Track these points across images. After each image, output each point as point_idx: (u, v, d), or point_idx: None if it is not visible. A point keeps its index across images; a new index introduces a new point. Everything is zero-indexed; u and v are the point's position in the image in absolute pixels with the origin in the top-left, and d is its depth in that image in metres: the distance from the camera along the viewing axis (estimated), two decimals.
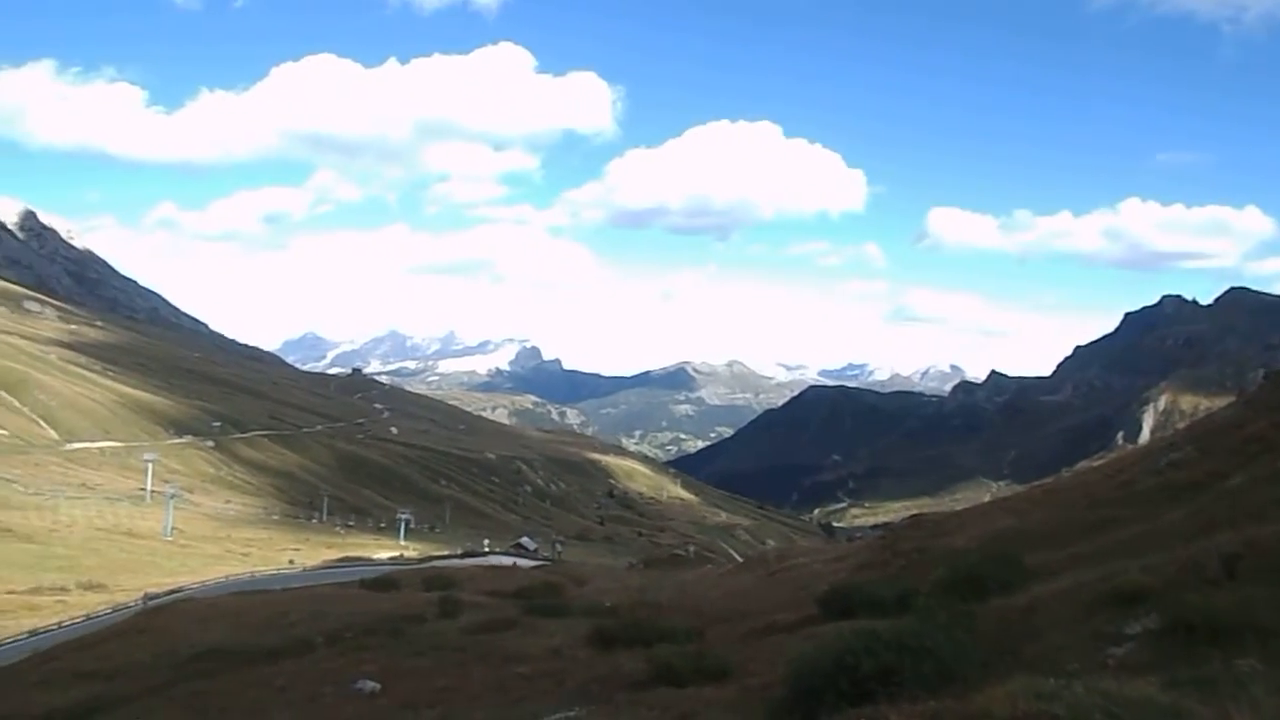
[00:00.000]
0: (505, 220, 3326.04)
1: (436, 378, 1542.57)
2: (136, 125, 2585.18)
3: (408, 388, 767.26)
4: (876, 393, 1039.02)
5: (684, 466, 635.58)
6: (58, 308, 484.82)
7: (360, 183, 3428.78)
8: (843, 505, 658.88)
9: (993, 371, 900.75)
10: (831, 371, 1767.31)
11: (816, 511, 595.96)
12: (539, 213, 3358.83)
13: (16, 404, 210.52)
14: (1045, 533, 28.45)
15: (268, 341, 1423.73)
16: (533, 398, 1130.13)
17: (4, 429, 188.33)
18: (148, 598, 59.45)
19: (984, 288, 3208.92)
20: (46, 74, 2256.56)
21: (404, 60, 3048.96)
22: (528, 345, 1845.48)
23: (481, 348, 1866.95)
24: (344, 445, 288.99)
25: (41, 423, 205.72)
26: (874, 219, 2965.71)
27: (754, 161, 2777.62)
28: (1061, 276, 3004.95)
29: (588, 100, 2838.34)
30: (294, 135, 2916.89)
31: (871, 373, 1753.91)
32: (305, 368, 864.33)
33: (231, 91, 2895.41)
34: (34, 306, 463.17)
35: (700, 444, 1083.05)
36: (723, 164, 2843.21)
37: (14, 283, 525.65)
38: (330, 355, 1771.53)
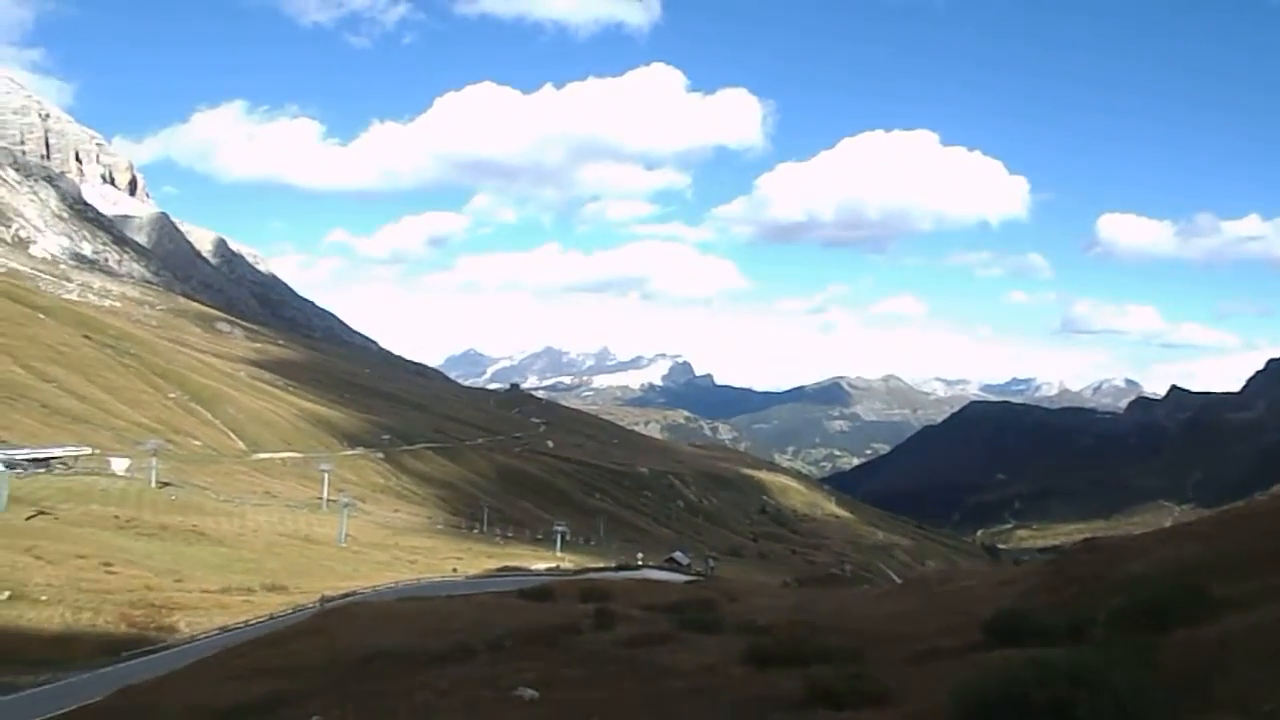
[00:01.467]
0: (656, 238, 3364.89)
1: (591, 393, 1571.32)
2: (314, 157, 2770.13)
3: (563, 403, 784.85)
4: (1044, 409, 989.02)
5: (839, 483, 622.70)
6: (245, 328, 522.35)
7: (517, 205, 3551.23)
8: (1008, 527, 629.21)
9: (1173, 387, 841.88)
10: (995, 386, 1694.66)
11: (980, 533, 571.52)
12: (689, 229, 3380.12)
13: (210, 417, 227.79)
14: (1237, 561, 26.22)
15: (432, 358, 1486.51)
16: (685, 413, 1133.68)
17: (198, 440, 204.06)
18: (324, 600, 62.88)
19: (1160, 298, 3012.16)
20: (238, 113, 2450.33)
21: (559, 85, 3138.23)
22: (680, 361, 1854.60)
23: (634, 363, 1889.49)
24: (503, 458, 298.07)
25: (231, 434, 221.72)
26: (1039, 227, 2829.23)
27: (910, 171, 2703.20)
28: (1249, 286, 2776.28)
29: (738, 116, 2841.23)
30: (455, 161, 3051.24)
31: (1039, 388, 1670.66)
32: (466, 383, 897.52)
33: (398, 122, 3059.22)
34: (225, 327, 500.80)
35: (856, 460, 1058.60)
36: (877, 174, 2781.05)
37: (208, 305, 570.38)
38: (490, 371, 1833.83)
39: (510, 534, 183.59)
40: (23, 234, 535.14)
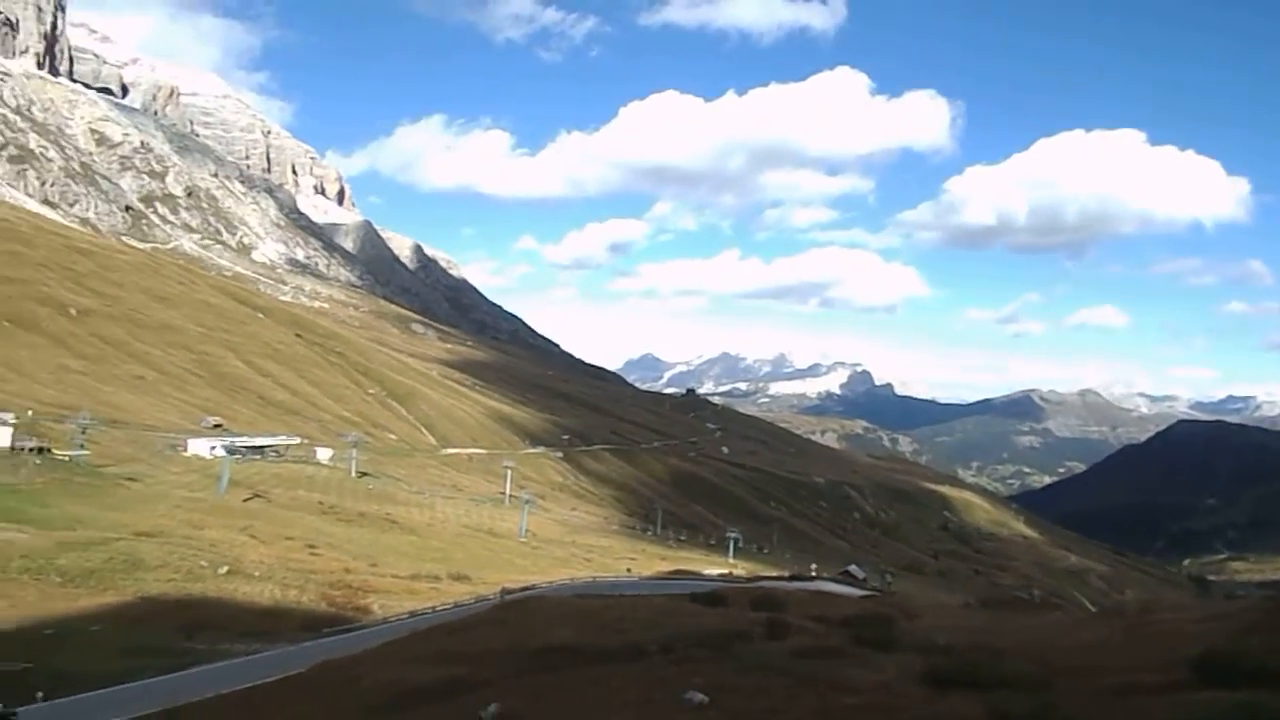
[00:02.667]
0: (837, 244, 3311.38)
1: (767, 400, 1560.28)
2: (505, 167, 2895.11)
3: (739, 409, 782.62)
4: (1264, 430, 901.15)
5: (1028, 502, 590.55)
6: (438, 329, 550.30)
7: (697, 212, 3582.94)
8: (1220, 558, 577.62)
9: None
10: (1207, 405, 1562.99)
11: (1187, 562, 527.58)
12: (872, 236, 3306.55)
13: (404, 413, 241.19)
14: None
15: (611, 362, 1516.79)
16: (863, 423, 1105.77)
17: (393, 434, 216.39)
18: (505, 592, 65.19)
19: None
20: (437, 127, 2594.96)
21: (741, 91, 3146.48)
22: (859, 369, 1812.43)
23: (812, 371, 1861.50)
24: (678, 462, 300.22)
25: (423, 430, 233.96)
26: (1261, 231, 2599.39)
27: (1113, 173, 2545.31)
28: None
29: (925, 119, 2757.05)
30: (638, 169, 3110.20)
31: (1258, 407, 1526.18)
32: (644, 387, 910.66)
33: (584, 132, 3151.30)
34: (420, 329, 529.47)
35: (1047, 479, 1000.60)
36: (1075, 177, 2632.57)
37: (405, 308, 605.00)
38: (667, 375, 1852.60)
39: (683, 537, 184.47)
40: (246, 240, 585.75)
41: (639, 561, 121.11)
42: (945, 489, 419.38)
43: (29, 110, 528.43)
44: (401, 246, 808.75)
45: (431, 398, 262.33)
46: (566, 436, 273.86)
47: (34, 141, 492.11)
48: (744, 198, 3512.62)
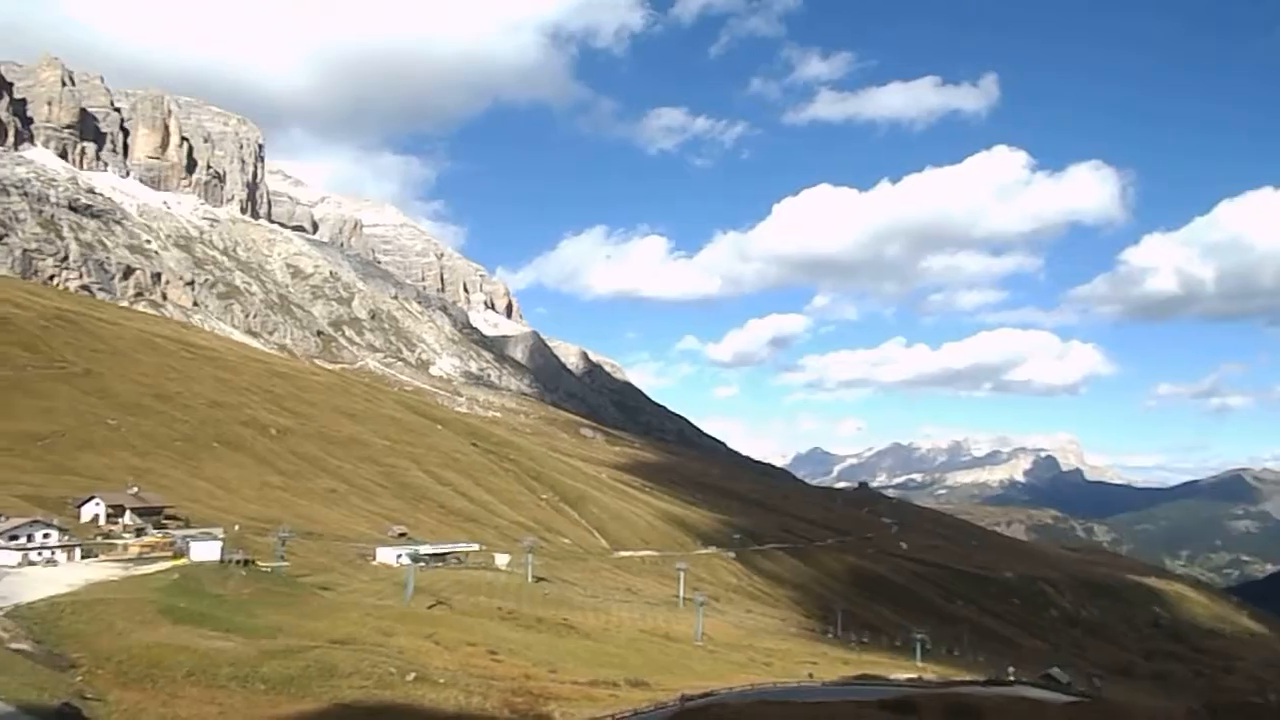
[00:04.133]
0: (1008, 325, 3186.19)
1: (945, 490, 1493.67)
2: (663, 271, 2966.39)
3: (915, 501, 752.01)
4: None
5: (1251, 593, 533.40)
6: (606, 433, 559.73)
7: (857, 301, 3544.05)
8: None
9: None
10: None
11: None
12: (1045, 314, 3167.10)
13: (576, 516, 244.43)
14: None
15: (778, 458, 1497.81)
16: (1053, 512, 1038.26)
17: (567, 538, 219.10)
18: (685, 699, 63.61)
19: None
20: (598, 238, 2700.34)
21: (895, 179, 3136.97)
22: (1043, 455, 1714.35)
23: (991, 459, 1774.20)
24: (854, 559, 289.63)
25: (595, 533, 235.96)
26: None
27: None
28: None
29: (1092, 191, 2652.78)
30: (795, 263, 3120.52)
31: None
32: (813, 482, 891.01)
33: (739, 231, 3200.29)
34: (588, 433, 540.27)
35: (1269, 566, 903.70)
36: (1269, 236, 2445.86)
37: (574, 413, 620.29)
38: (836, 470, 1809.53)
39: (866, 639, 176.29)
40: (424, 356, 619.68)
41: (821, 665, 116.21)
42: (1153, 581, 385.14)
43: (234, 250, 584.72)
44: (568, 354, 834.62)
45: (602, 500, 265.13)
46: (738, 536, 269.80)
47: (239, 278, 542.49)
48: (905, 284, 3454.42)
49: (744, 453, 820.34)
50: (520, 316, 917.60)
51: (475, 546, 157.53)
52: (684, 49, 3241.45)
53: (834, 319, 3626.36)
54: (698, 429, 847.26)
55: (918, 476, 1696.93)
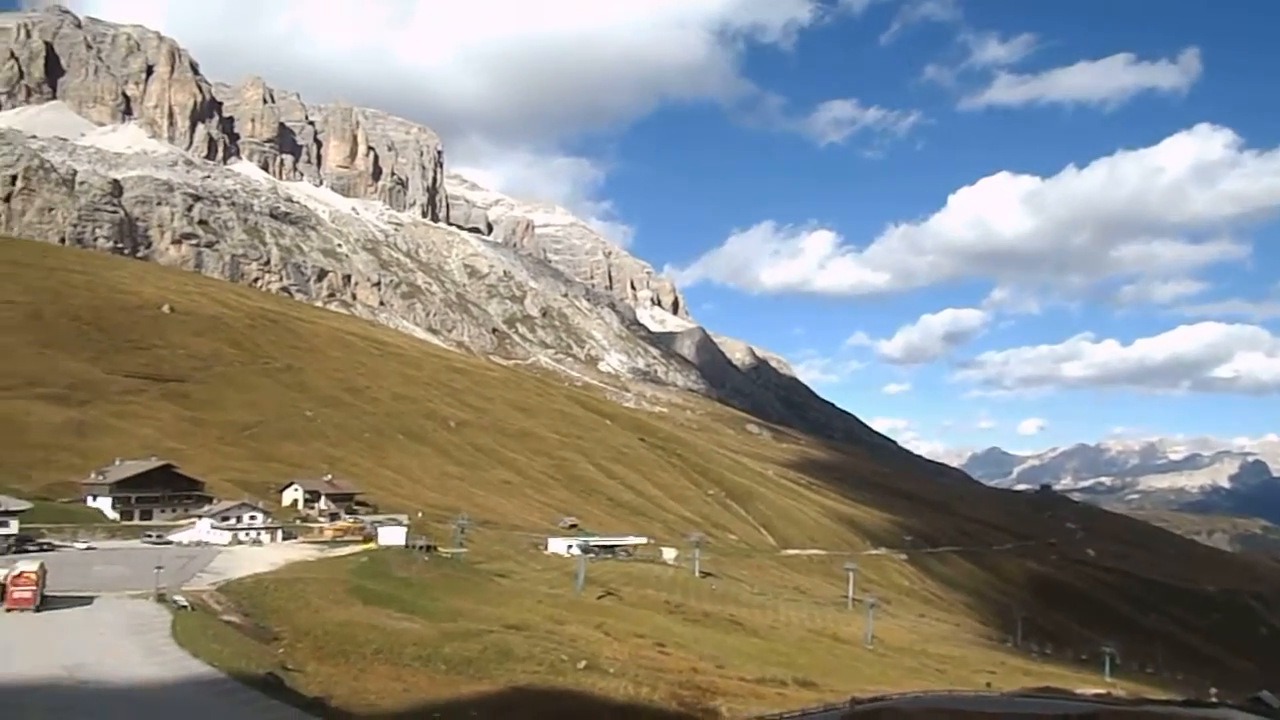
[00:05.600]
0: (1211, 318, 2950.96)
1: (1136, 495, 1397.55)
2: (832, 266, 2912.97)
3: (1103, 506, 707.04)
4: None
5: None
6: (772, 429, 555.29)
7: (1040, 295, 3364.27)
8: None
9: None
10: None
11: None
12: (1253, 305, 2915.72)
13: (743, 513, 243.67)
14: None
15: (953, 458, 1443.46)
16: (1262, 521, 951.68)
17: (733, 534, 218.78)
18: (855, 702, 62.28)
19: None
20: (766, 233, 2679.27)
21: (1082, 164, 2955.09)
22: (1251, 459, 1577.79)
23: (1190, 462, 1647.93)
24: (1035, 565, 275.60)
25: (762, 530, 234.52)
26: None
27: None
28: None
29: None
30: (971, 255, 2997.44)
31: None
32: (990, 484, 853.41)
33: (911, 223, 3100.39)
34: (754, 429, 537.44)
35: None
36: None
37: (740, 409, 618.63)
38: (1016, 471, 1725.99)
39: (1048, 650, 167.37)
40: (593, 352, 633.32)
41: (999, 676, 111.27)
42: None
43: (416, 253, 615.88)
44: (734, 350, 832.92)
45: (769, 498, 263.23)
46: (909, 537, 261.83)
47: (420, 279, 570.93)
48: (1093, 275, 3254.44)
49: (916, 452, 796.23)
50: (686, 313, 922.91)
51: (643, 540, 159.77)
52: (854, 40, 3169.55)
53: (1014, 313, 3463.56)
54: (867, 427, 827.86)
55: (1106, 480, 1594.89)
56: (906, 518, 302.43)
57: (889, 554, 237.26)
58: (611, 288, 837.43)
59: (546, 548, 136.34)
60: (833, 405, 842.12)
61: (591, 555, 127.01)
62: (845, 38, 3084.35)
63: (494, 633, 65.16)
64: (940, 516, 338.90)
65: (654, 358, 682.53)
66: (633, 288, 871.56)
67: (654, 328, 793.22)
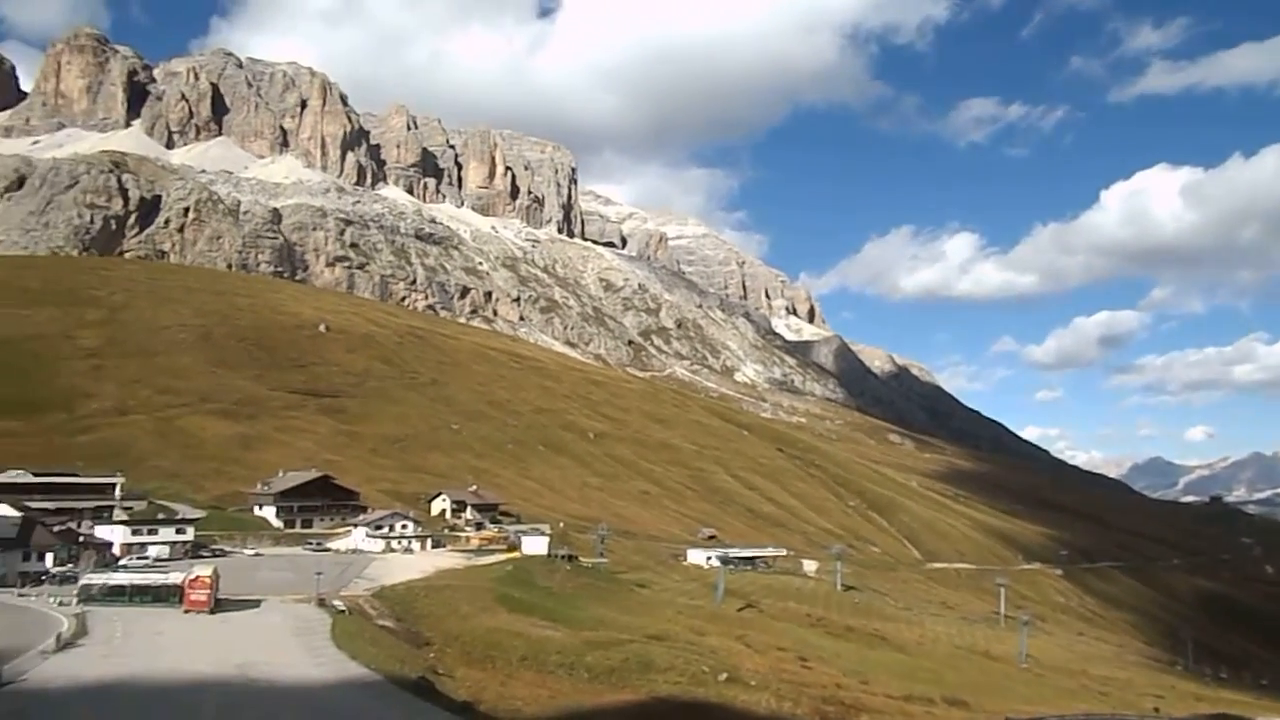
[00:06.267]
0: None
1: None
2: (975, 269, 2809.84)
3: None
4: None
5: None
6: (915, 439, 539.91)
7: (1205, 293, 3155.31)
8: None
9: None
10: None
11: None
12: None
13: (885, 524, 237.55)
14: None
15: (1111, 468, 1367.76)
16: None
17: (876, 546, 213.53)
18: None
19: None
20: (904, 238, 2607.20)
21: (1250, 152, 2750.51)
22: None
23: None
24: (1206, 583, 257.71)
25: (906, 543, 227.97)
26: None
27: None
28: None
29: None
30: (1127, 254, 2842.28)
31: None
32: (1154, 495, 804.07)
33: (1060, 222, 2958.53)
34: (896, 438, 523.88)
35: None
36: None
37: (880, 418, 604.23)
38: (1182, 482, 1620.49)
39: (1223, 674, 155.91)
40: (729, 363, 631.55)
41: (1168, 700, 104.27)
42: None
43: (553, 268, 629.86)
44: (873, 358, 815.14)
45: (913, 509, 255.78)
46: (1065, 552, 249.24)
47: (558, 293, 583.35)
48: (1264, 271, 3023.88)
49: (1071, 462, 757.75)
50: (823, 321, 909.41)
51: (783, 551, 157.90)
52: (993, 35, 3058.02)
53: (1176, 313, 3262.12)
54: (1016, 436, 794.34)
55: None
56: (1061, 531, 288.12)
57: (1043, 569, 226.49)
58: (746, 298, 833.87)
59: (685, 559, 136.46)
60: (979, 413, 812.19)
61: (731, 567, 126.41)
62: (984, 33, 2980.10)
63: (635, 642, 65.56)
64: (1098, 530, 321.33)
65: (790, 367, 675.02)
66: (767, 297, 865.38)
67: (790, 337, 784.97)
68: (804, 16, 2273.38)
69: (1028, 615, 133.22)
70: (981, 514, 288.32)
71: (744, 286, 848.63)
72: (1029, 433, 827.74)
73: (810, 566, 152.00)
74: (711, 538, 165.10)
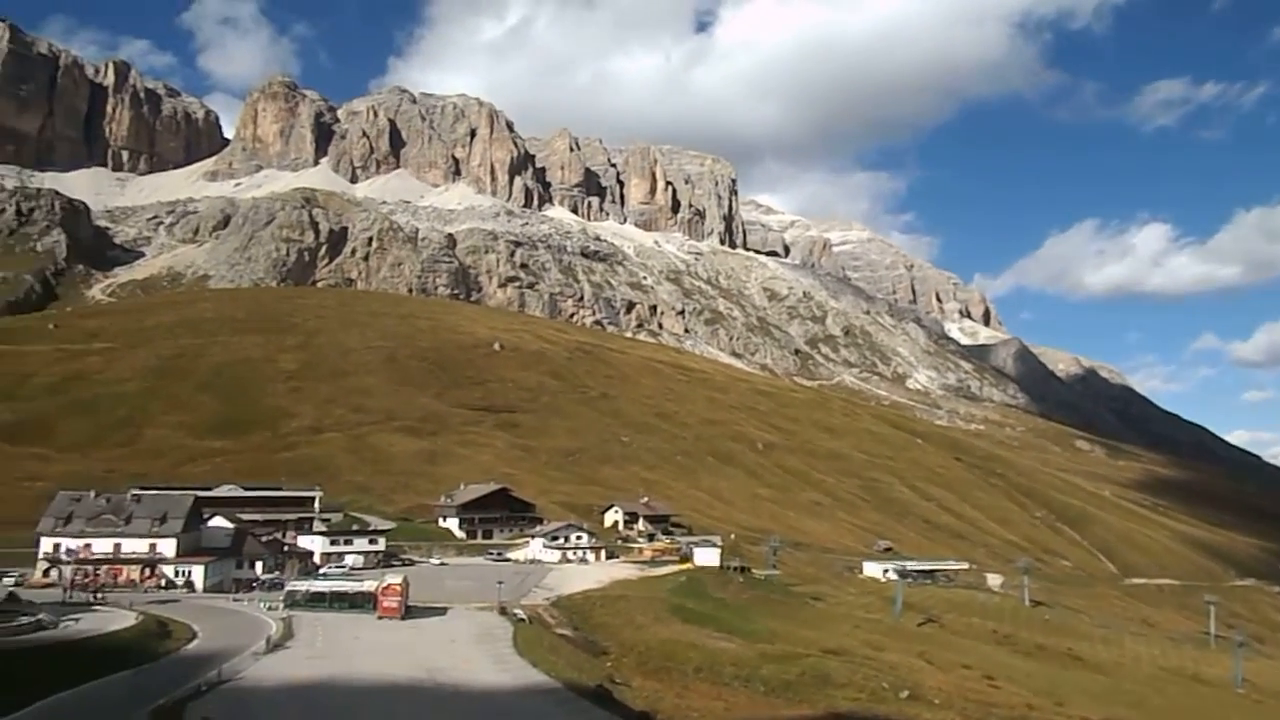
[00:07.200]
0: None
1: None
2: (1169, 261, 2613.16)
3: None
4: None
5: None
6: (1105, 445, 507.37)
7: None
8: None
9: None
10: None
11: None
12: None
13: (1076, 537, 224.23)
14: None
15: None
16: None
17: (1066, 560, 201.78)
18: None
19: None
20: (1088, 233, 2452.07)
21: None
22: None
23: None
24: None
25: (1100, 556, 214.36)
26: None
27: None
28: None
29: None
30: None
31: None
32: None
33: (1266, 207, 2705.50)
34: (1084, 445, 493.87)
35: None
36: None
37: (1065, 424, 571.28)
38: None
39: None
40: (899, 370, 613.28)
41: None
42: None
43: (716, 279, 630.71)
44: (1056, 360, 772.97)
45: (1107, 521, 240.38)
46: None
47: (722, 304, 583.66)
48: None
49: None
50: (999, 324, 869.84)
51: (964, 565, 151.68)
52: (1180, 12, 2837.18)
53: None
54: (1222, 440, 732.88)
55: None
56: (1278, 543, 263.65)
57: (1260, 585, 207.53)
58: (915, 302, 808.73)
59: (861, 571, 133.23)
60: (1178, 417, 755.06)
61: (909, 580, 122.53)
62: (1169, 12, 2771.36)
63: (811, 656, 64.50)
64: None
65: (966, 372, 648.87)
66: (939, 300, 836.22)
67: (964, 341, 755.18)
68: (969, 9, 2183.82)
69: (1242, 635, 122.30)
70: (1185, 525, 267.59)
71: (913, 290, 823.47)
72: (1236, 436, 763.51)
73: (995, 581, 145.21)
74: (888, 550, 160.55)
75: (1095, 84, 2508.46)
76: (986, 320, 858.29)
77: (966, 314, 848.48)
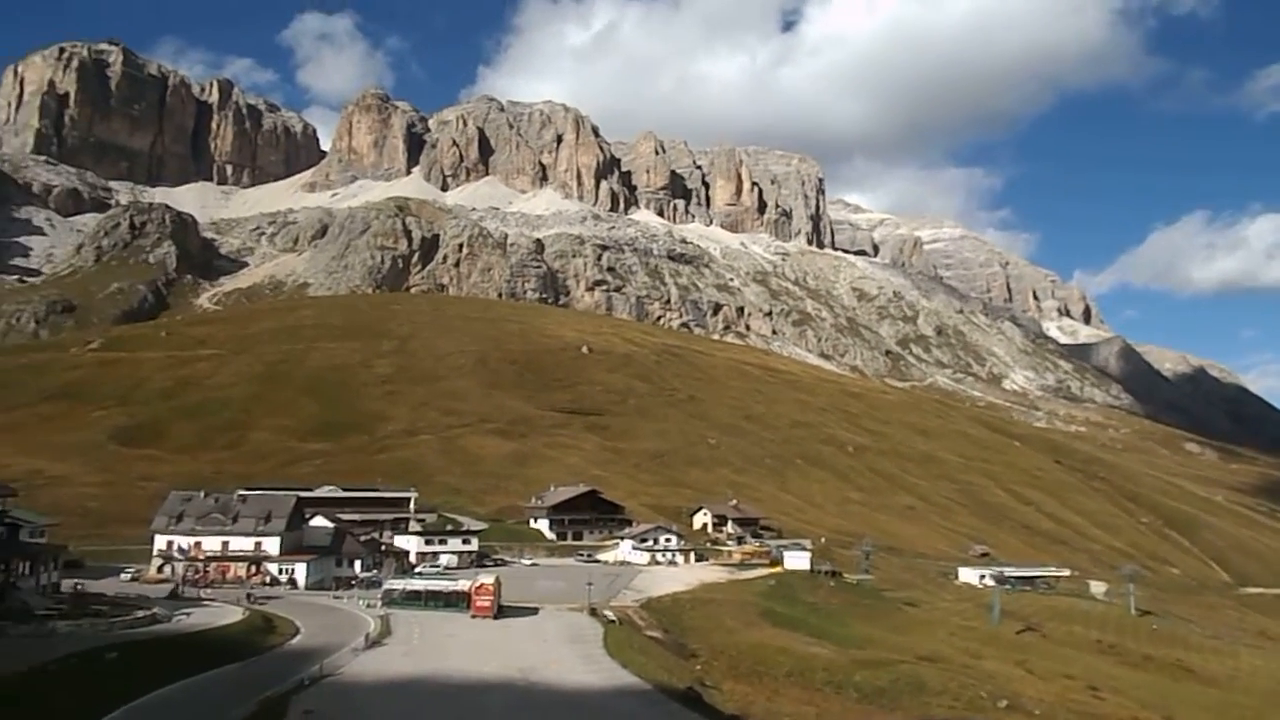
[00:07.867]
0: None
1: None
2: None
3: None
4: None
5: None
6: (1217, 448, 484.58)
7: None
8: None
9: None
10: None
11: None
12: None
13: (1186, 544, 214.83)
14: None
15: None
16: None
17: (1175, 568, 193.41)
18: None
19: None
20: (1196, 225, 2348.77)
21: None
22: None
23: None
24: None
25: (1212, 564, 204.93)
26: None
27: None
28: None
29: None
30: None
31: None
32: None
33: None
34: (1194, 448, 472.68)
35: None
36: None
37: (1173, 425, 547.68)
38: None
39: None
40: (995, 370, 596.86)
41: None
42: None
43: (804, 280, 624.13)
44: (1163, 359, 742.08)
45: (1219, 527, 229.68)
46: None
47: (809, 305, 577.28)
48: None
49: None
50: (1101, 322, 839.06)
51: (1065, 572, 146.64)
52: None
53: None
54: None
55: None
56: None
57: None
58: (1011, 300, 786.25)
59: (957, 577, 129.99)
60: None
61: (1007, 587, 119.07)
62: None
63: (905, 663, 63.23)
64: None
65: (1066, 372, 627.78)
66: (1036, 299, 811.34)
67: (1064, 340, 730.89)
68: None
69: None
70: None
71: (1009, 289, 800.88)
72: None
73: (1098, 588, 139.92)
74: (984, 555, 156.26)
75: (1202, 70, 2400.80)
76: (1087, 319, 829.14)
77: (1066, 312, 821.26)
